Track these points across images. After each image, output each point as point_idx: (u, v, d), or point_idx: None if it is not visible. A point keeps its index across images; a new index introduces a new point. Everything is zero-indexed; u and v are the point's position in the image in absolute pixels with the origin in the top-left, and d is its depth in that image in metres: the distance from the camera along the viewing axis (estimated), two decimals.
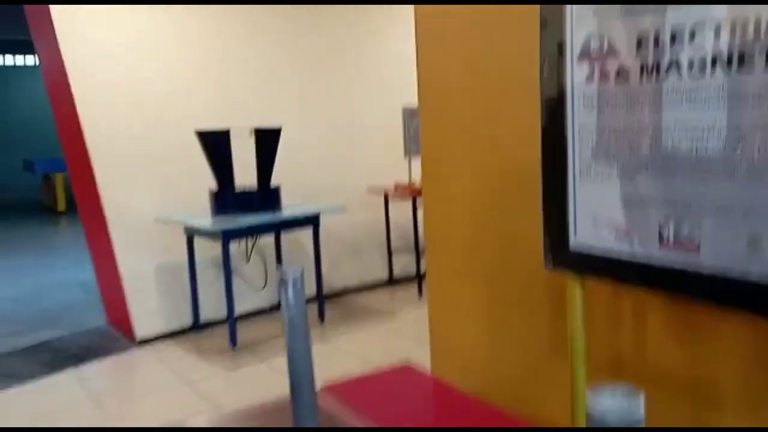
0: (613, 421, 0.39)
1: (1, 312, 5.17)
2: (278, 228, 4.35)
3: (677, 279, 1.14)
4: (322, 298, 4.36)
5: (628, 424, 0.39)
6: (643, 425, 0.40)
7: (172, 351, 4.12)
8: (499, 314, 1.63)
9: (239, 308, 4.22)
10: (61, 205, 10.34)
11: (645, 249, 1.17)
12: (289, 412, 0.71)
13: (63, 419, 3.20)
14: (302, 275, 0.66)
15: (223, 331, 4.27)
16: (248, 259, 4.51)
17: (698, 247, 1.10)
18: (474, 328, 1.72)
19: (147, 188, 4.20)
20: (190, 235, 4.19)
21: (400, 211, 5.07)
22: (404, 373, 1.12)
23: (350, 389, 0.97)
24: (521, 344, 1.57)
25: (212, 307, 4.42)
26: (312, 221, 4.23)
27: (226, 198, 4.03)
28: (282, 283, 0.65)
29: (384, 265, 5.32)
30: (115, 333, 4.45)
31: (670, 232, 1.14)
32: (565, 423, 1.19)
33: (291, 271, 0.65)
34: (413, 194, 4.68)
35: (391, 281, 5.38)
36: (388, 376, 1.20)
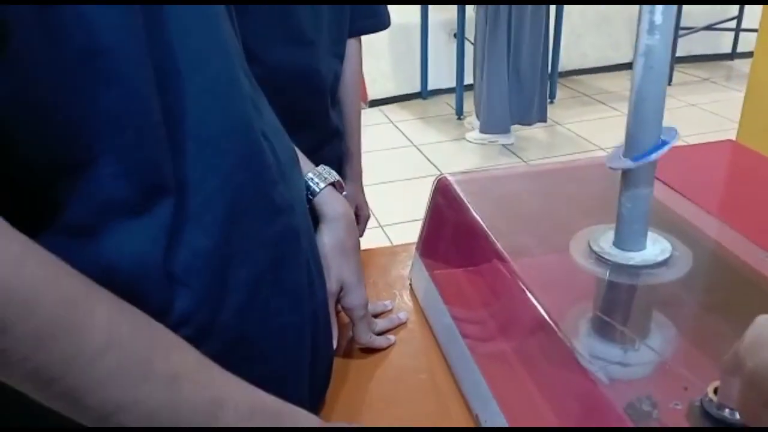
0: None
1: None
2: None
3: None
4: (554, 75, 4.04)
5: None
6: None
7: (400, 114, 4.25)
8: None
9: (467, 78, 4.11)
10: None
11: None
12: (602, 171, 0.60)
13: None
14: None
15: (449, 99, 4.25)
16: None
17: None
18: None
19: None
20: None
21: None
22: (727, 147, 0.92)
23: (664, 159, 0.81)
24: None
25: (440, 74, 4.37)
26: None
27: None
28: None
29: (631, 41, 4.69)
30: None
31: None
32: None
33: None
34: None
35: None
36: (707, 149, 1.00)
